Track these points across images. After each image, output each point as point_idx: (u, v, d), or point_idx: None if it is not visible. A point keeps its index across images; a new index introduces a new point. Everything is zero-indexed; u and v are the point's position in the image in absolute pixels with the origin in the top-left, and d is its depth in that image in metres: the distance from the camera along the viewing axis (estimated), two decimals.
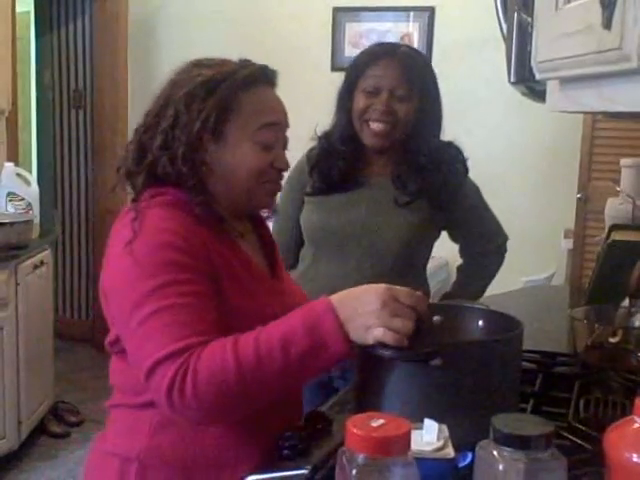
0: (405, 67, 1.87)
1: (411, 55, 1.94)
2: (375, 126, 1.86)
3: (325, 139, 1.97)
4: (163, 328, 1.11)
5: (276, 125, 1.28)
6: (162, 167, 1.23)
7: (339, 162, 1.92)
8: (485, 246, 2.12)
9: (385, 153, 1.94)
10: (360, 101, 1.87)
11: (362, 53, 1.97)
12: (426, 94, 1.90)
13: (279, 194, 1.38)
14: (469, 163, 1.99)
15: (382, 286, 1.11)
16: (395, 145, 1.91)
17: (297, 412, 1.33)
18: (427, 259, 2.05)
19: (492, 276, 2.18)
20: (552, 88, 0.99)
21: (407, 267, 1.94)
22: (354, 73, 1.91)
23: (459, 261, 2.18)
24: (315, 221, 1.95)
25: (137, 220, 1.18)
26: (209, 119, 1.21)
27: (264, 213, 1.44)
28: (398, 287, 1.12)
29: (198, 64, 1.28)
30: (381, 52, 1.91)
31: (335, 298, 1.12)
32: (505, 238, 2.15)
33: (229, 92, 1.23)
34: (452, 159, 1.95)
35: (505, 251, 2.17)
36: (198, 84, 1.23)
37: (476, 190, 2.04)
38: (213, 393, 1.08)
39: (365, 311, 1.08)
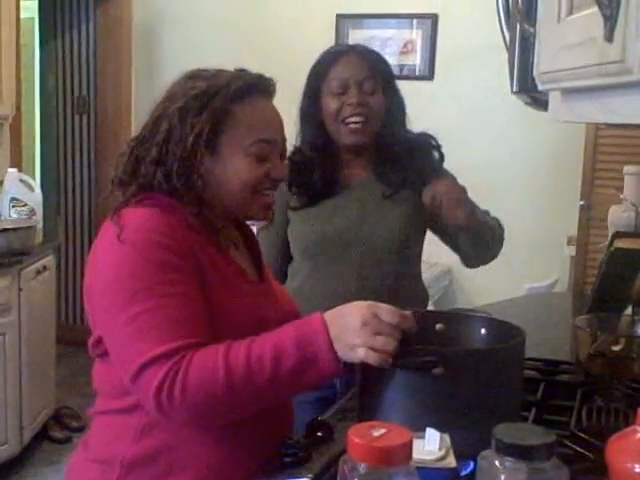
0: (365, 60, 1.88)
1: (367, 49, 1.95)
2: (352, 120, 1.85)
3: (297, 154, 1.93)
4: (150, 329, 1.11)
5: (270, 142, 1.27)
6: (157, 182, 1.22)
7: (317, 171, 1.90)
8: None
9: (361, 154, 1.93)
10: (331, 104, 1.86)
11: (319, 60, 1.94)
12: (389, 86, 1.91)
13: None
14: (470, 169, 1.99)
15: (365, 304, 1.12)
16: (370, 145, 1.91)
17: (288, 420, 1.32)
18: (420, 259, 2.03)
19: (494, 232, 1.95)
20: (554, 99, 1.00)
21: (404, 268, 1.93)
22: (314, 80, 1.90)
23: (461, 268, 2.16)
24: (309, 233, 1.91)
25: (118, 217, 1.18)
26: (202, 133, 1.21)
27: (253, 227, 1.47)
28: (382, 304, 1.12)
29: (192, 76, 1.27)
30: (337, 52, 1.92)
31: (327, 315, 1.13)
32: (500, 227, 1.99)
33: (222, 105, 1.22)
34: (427, 147, 1.96)
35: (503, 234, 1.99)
36: (191, 98, 1.22)
37: (452, 178, 1.97)
38: (201, 398, 1.09)
39: (348, 329, 1.09)
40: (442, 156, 1.98)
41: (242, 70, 1.29)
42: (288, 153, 1.89)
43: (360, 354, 1.08)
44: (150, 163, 1.22)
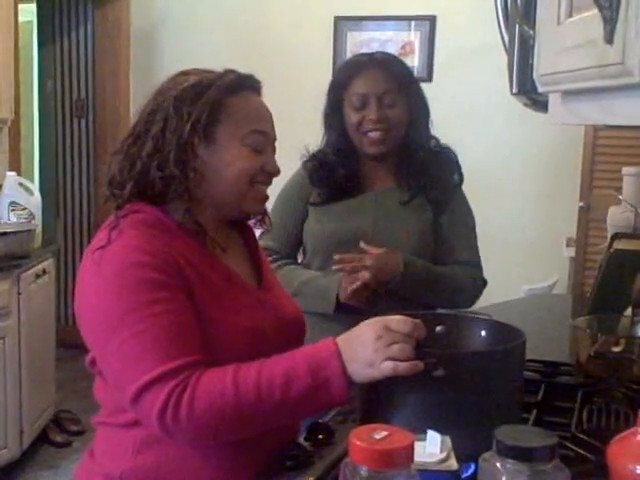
0: (385, 72, 1.90)
1: (387, 59, 1.97)
2: (372, 134, 1.89)
3: (321, 154, 1.98)
4: (146, 350, 1.10)
5: (265, 134, 1.28)
6: (152, 174, 1.21)
7: (340, 169, 1.94)
8: (455, 267, 1.94)
9: (385, 160, 1.95)
10: (352, 116, 1.90)
11: (340, 70, 2.01)
12: (411, 93, 1.93)
13: (272, 206, 1.35)
14: (469, 170, 1.99)
15: (374, 319, 1.12)
16: (393, 151, 1.94)
17: (293, 431, 1.30)
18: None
19: (462, 293, 1.93)
20: (554, 101, 1.00)
21: None
22: (337, 91, 1.94)
23: None
24: (324, 229, 1.93)
25: (114, 230, 1.18)
26: (199, 121, 1.21)
27: (257, 230, 1.44)
28: (390, 316, 1.12)
29: (184, 73, 1.29)
30: (358, 64, 1.94)
31: (339, 339, 1.12)
32: (480, 275, 1.97)
33: (217, 96, 1.23)
34: (448, 162, 1.97)
35: (479, 290, 1.96)
36: (186, 88, 1.23)
37: (467, 209, 1.99)
38: (208, 420, 1.09)
39: (363, 347, 1.09)
40: (461, 177, 1.98)
41: (232, 70, 1.30)
42: (313, 150, 1.98)
43: (386, 367, 1.07)
44: (146, 156, 1.21)
